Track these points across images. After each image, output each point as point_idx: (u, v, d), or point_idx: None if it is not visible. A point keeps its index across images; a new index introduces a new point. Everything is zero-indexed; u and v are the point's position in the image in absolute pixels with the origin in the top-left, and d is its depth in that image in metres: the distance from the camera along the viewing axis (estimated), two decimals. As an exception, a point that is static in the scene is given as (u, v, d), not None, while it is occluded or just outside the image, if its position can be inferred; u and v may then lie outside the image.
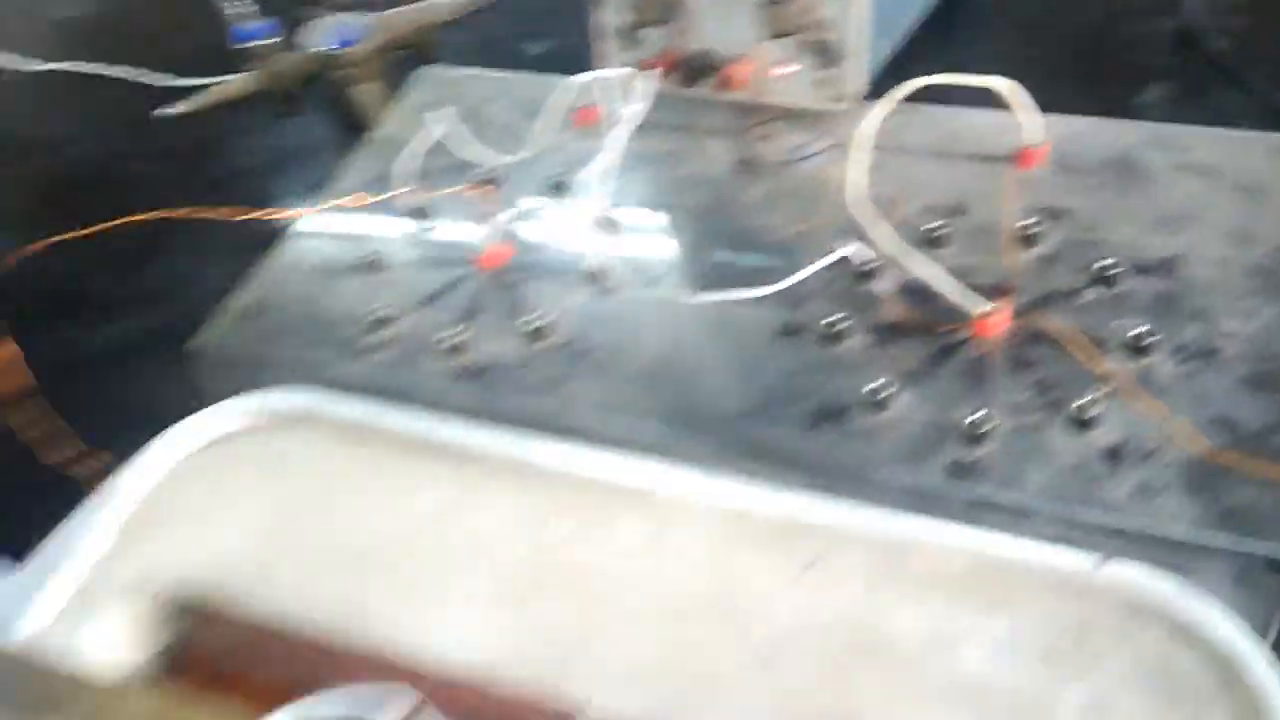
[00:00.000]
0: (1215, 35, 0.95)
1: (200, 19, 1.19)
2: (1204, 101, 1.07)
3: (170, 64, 1.10)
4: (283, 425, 0.69)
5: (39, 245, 0.75)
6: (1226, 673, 0.50)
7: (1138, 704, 0.50)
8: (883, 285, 0.70)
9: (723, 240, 0.77)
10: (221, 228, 0.84)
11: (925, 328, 0.67)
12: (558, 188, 0.82)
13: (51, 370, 0.82)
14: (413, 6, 1.04)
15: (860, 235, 0.70)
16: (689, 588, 0.57)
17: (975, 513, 0.59)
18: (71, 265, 0.98)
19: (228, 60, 1.03)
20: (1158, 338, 0.63)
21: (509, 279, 0.76)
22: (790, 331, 0.69)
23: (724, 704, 0.53)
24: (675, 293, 0.72)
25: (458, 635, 0.57)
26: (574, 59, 0.88)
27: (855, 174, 0.66)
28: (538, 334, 0.71)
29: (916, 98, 0.72)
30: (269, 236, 0.83)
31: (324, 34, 0.98)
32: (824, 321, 0.67)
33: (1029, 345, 0.65)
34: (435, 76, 0.97)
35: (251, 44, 0.96)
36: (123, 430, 0.69)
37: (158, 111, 1.00)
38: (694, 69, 0.84)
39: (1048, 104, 0.76)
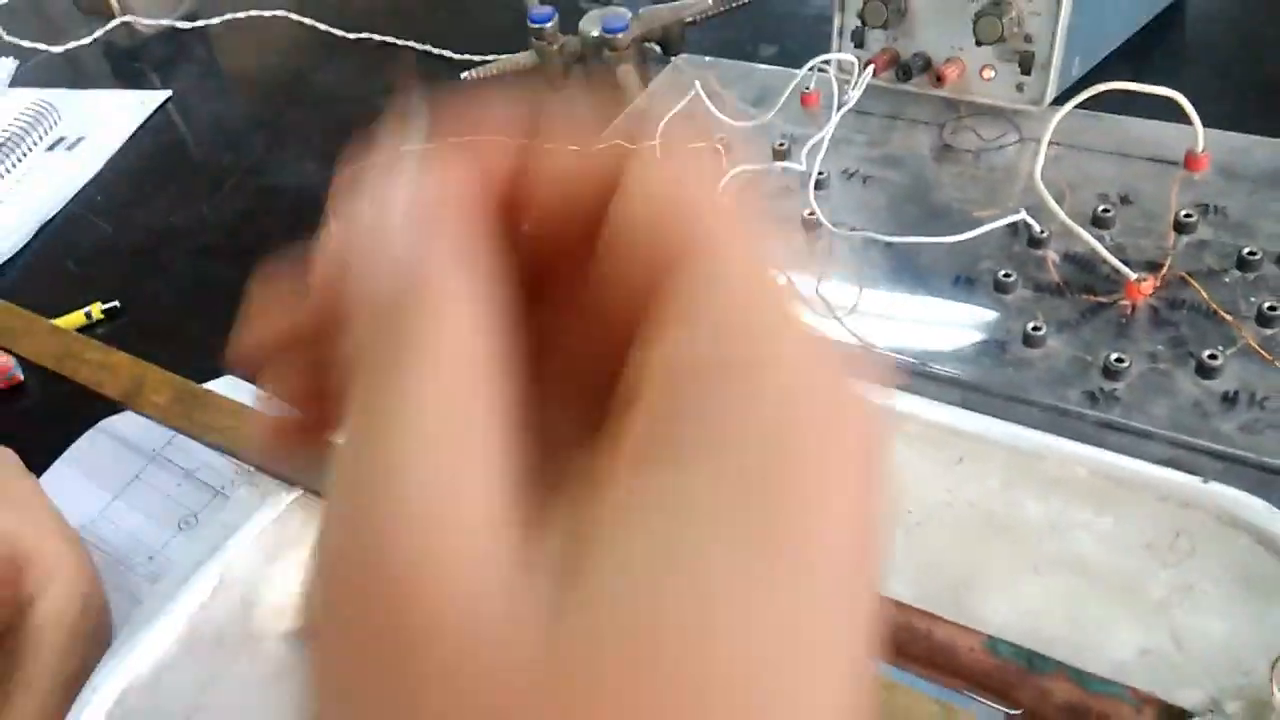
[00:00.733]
0: None
1: (486, 8, 1.42)
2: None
3: (466, 41, 1.31)
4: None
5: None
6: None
7: (1219, 591, 0.61)
8: (1049, 252, 0.84)
9: (914, 205, 0.92)
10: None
11: (1082, 288, 0.80)
12: (776, 154, 0.98)
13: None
14: (667, 6, 1.21)
15: (1035, 212, 0.84)
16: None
17: (1103, 434, 0.72)
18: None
19: (513, 40, 1.24)
20: (1285, 312, 0.74)
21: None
22: (966, 280, 0.83)
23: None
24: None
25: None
26: (802, 61, 1.01)
27: (1038, 162, 0.80)
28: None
29: (1099, 106, 0.84)
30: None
31: (596, 22, 1.18)
32: (997, 274, 0.82)
33: (1170, 309, 0.77)
34: (685, 64, 1.16)
35: (539, 26, 1.16)
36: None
37: (465, 75, 1.22)
38: (909, 67, 0.99)
39: (1218, 126, 0.87)
